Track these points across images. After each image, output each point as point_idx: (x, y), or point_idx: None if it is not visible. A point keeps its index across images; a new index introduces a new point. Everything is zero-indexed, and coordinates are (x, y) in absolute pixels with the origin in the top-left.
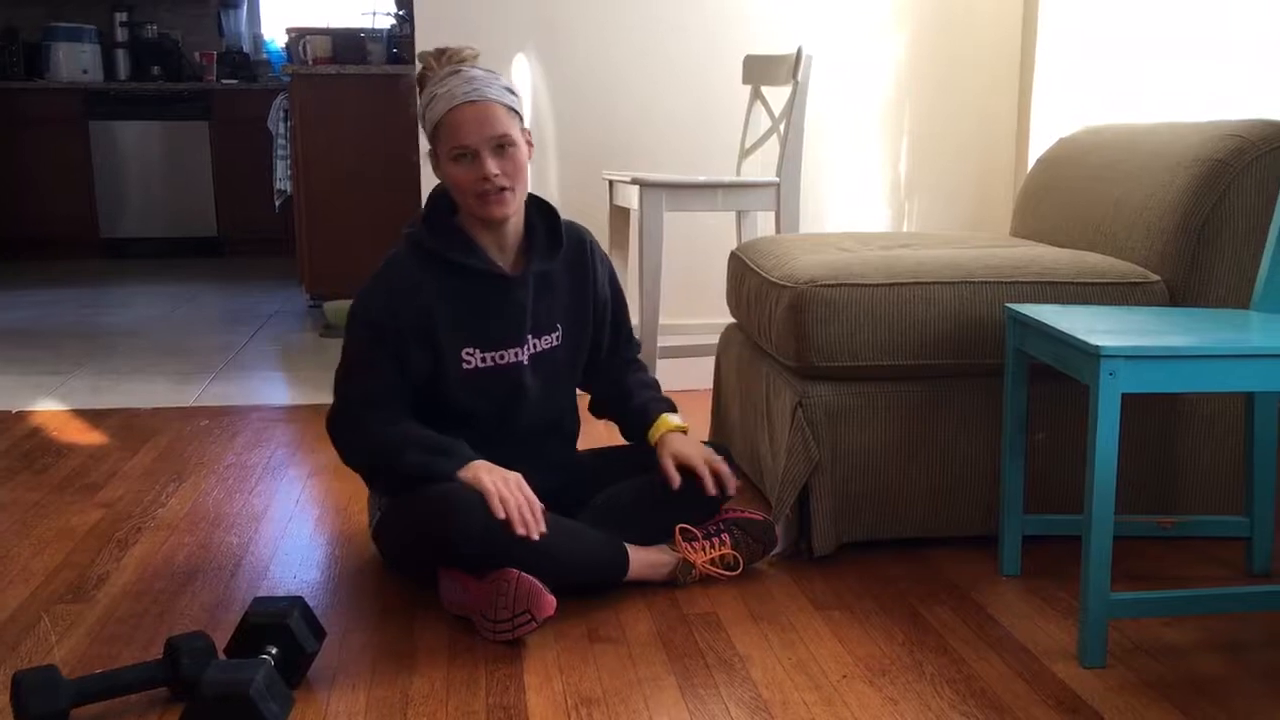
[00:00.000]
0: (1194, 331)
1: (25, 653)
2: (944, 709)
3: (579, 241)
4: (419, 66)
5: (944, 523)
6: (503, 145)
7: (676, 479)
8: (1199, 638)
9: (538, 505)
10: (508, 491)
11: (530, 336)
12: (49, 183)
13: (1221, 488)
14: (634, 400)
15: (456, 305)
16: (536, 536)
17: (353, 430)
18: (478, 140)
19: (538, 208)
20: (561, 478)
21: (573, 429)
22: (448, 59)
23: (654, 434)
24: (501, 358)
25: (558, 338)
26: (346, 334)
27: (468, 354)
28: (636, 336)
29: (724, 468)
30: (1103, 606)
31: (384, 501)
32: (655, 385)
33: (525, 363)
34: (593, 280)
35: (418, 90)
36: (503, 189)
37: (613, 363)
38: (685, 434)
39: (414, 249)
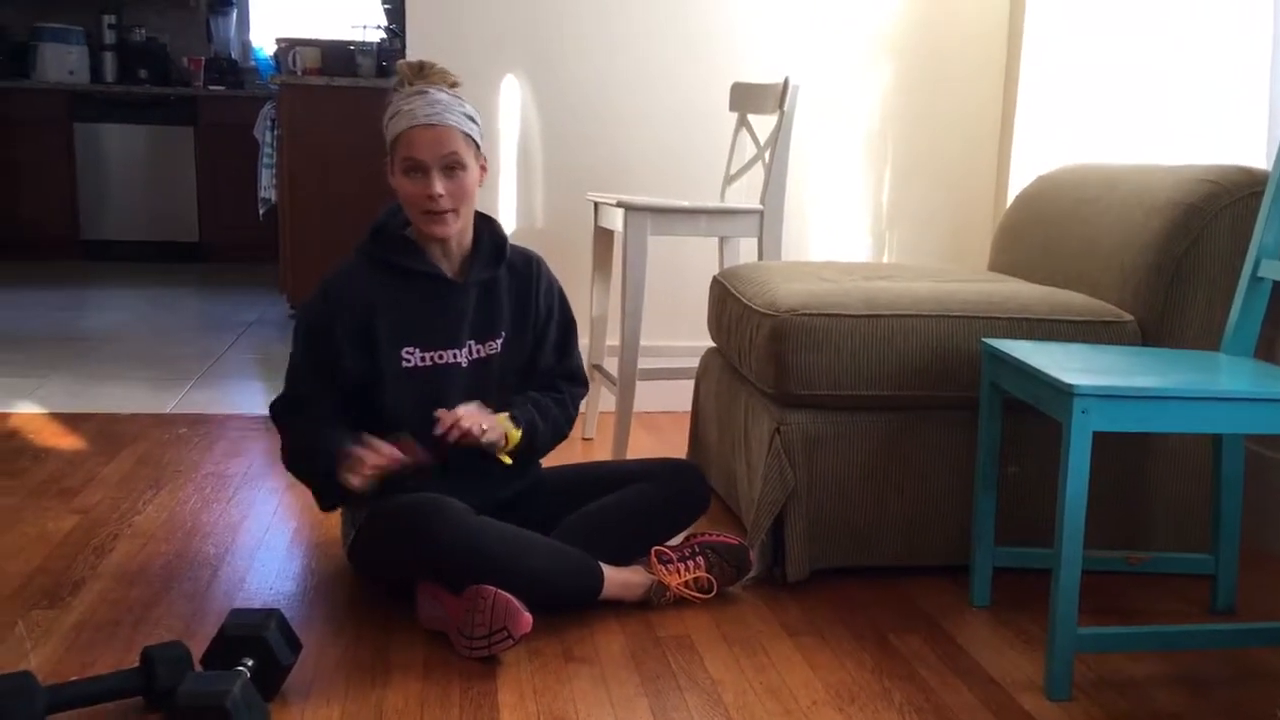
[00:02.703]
0: (1165, 373)
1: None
2: None
3: (526, 259)
4: (395, 76)
5: (916, 552)
6: (452, 167)
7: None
8: (1163, 673)
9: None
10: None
11: (471, 341)
12: (31, 183)
13: (1188, 525)
14: (514, 398)
15: (399, 305)
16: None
17: (279, 421)
18: (429, 158)
19: (487, 224)
20: (515, 485)
21: None
22: (424, 75)
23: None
24: (440, 357)
25: (500, 344)
26: (293, 338)
27: (407, 353)
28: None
29: (467, 423)
30: (1070, 641)
31: (359, 518)
32: (554, 404)
33: (463, 365)
34: (534, 294)
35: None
36: (446, 210)
37: (542, 380)
38: (507, 438)
39: (360, 255)
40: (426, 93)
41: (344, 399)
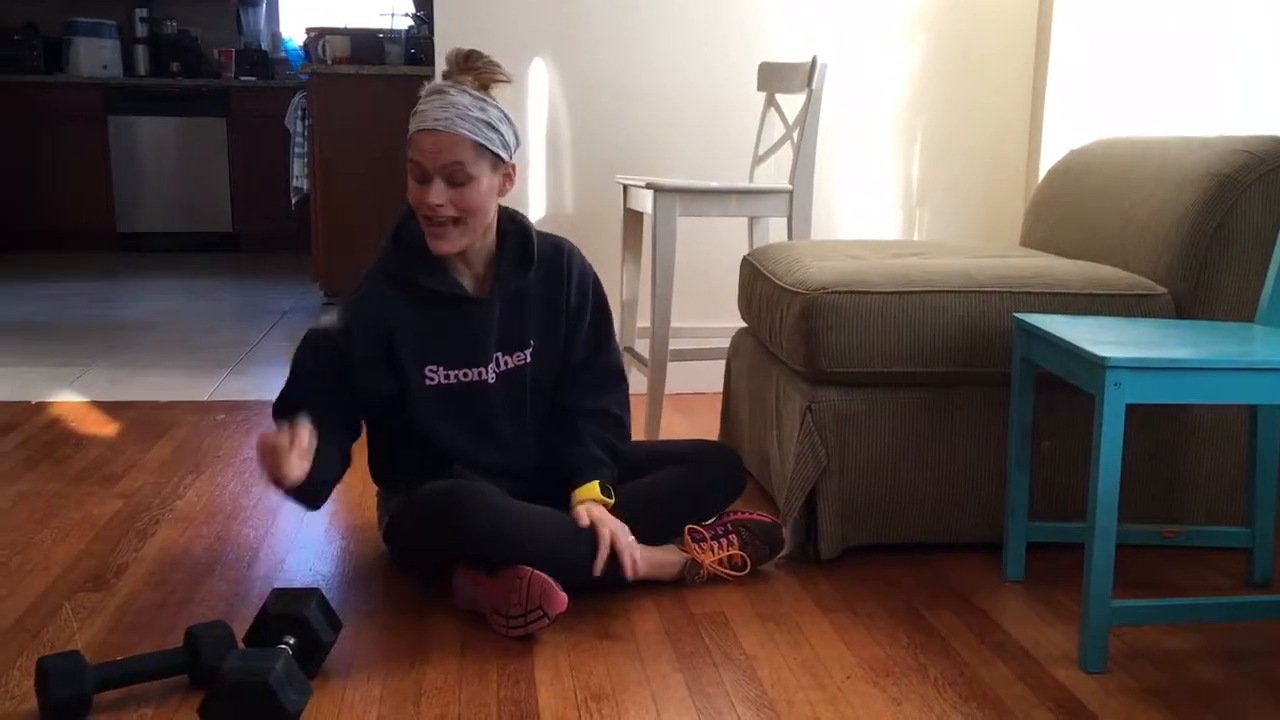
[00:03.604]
0: (1199, 344)
1: (47, 639)
2: (946, 710)
3: (556, 250)
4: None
5: (949, 528)
6: (455, 177)
7: (585, 519)
8: (1199, 646)
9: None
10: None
11: (498, 354)
12: (67, 176)
13: (1223, 498)
14: (578, 451)
15: (419, 324)
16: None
17: (279, 417)
18: (431, 165)
19: (513, 225)
20: (551, 481)
21: None
22: (471, 66)
23: (578, 494)
24: (466, 375)
25: (530, 354)
26: (302, 347)
27: (430, 371)
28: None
29: (627, 555)
30: (1104, 613)
31: (394, 504)
32: (613, 445)
33: (491, 381)
34: (565, 287)
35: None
36: (445, 220)
37: (581, 381)
38: (606, 507)
39: (379, 269)
40: (446, 93)
41: (354, 407)
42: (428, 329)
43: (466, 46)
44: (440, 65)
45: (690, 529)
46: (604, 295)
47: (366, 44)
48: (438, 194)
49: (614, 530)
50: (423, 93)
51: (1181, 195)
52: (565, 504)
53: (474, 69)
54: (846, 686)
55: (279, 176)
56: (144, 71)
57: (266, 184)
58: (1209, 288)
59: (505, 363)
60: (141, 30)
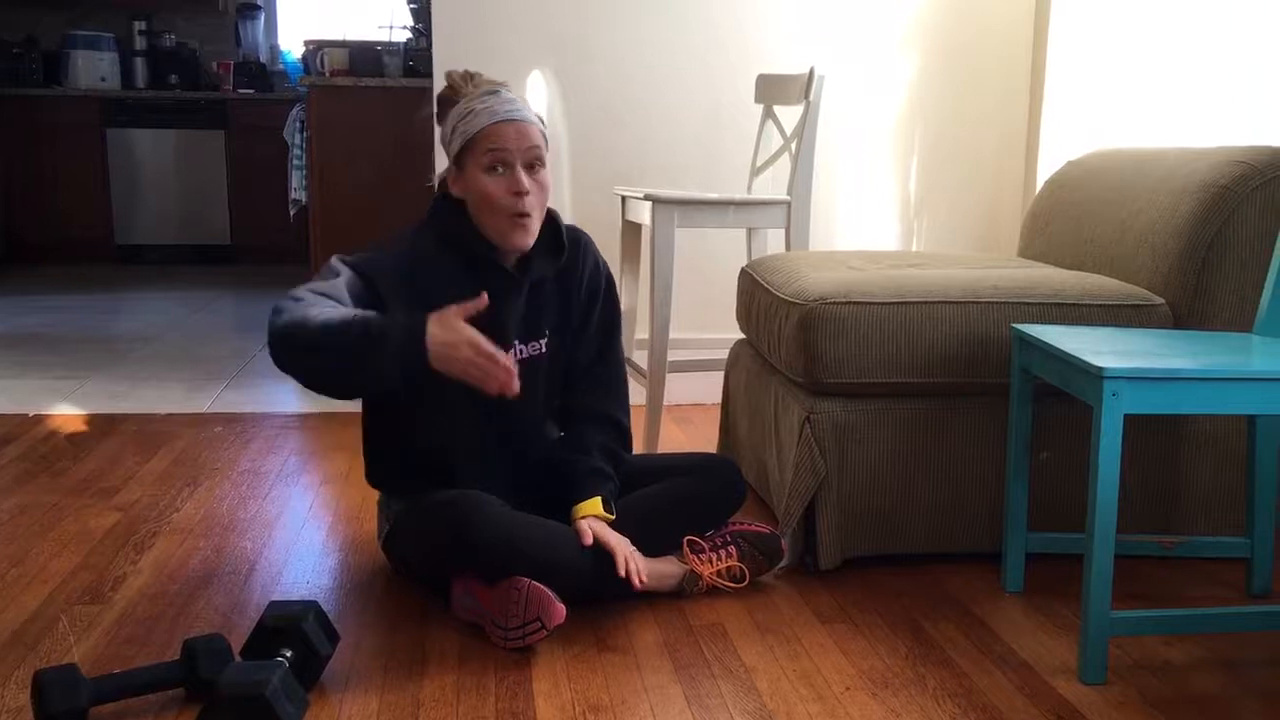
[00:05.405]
0: (1196, 354)
1: (44, 652)
2: None
3: (574, 240)
4: (445, 85)
5: (948, 539)
6: (534, 165)
7: (589, 538)
8: (1199, 656)
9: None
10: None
11: (516, 341)
12: (66, 189)
13: (1222, 509)
14: (583, 462)
15: (457, 294)
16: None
17: (285, 315)
18: (516, 151)
19: (546, 217)
20: (550, 479)
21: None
22: (475, 83)
23: (580, 509)
24: None
25: (544, 344)
26: (324, 267)
27: None
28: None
29: (634, 563)
30: (1104, 624)
31: (395, 512)
32: (618, 455)
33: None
34: (578, 277)
35: (438, 107)
36: (531, 212)
37: (586, 383)
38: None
39: (434, 229)
40: (498, 92)
41: None
42: (461, 300)
43: (464, 59)
44: (439, 80)
45: (689, 540)
46: (615, 292)
47: (365, 56)
48: (527, 181)
49: (622, 548)
50: (463, 100)
51: (1179, 206)
52: (566, 515)
53: (481, 84)
54: (845, 698)
55: (277, 188)
56: (142, 84)
57: (265, 196)
58: (1206, 298)
59: (522, 351)
60: (140, 43)
